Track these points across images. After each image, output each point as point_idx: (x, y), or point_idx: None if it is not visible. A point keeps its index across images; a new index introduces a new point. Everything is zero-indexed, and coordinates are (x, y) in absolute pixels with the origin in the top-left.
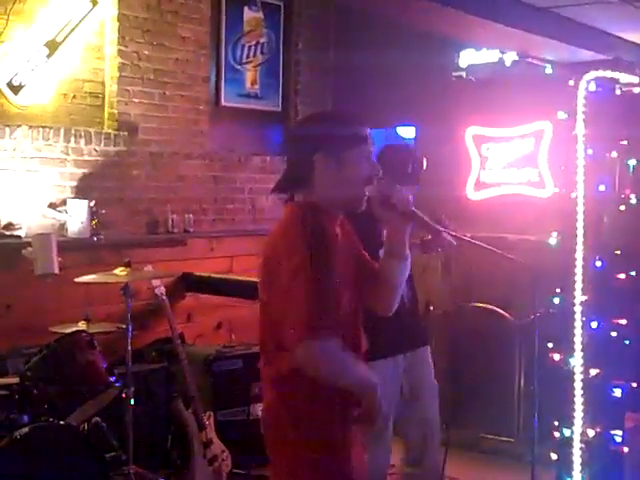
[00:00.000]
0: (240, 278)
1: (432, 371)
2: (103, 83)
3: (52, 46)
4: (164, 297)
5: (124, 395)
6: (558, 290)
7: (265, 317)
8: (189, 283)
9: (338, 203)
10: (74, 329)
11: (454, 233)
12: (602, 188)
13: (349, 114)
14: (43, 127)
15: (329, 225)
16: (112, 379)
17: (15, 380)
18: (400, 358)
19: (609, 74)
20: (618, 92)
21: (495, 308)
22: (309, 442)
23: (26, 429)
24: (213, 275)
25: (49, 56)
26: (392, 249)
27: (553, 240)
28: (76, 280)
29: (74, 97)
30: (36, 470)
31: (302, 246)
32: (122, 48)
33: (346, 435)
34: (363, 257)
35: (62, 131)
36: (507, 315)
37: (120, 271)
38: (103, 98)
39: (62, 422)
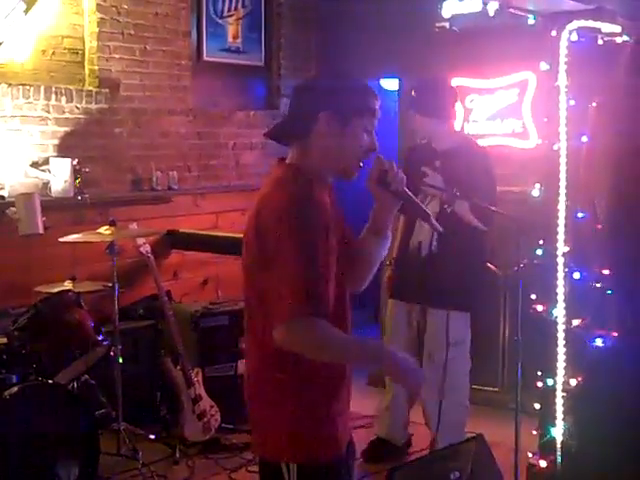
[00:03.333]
0: (226, 234)
1: (439, 340)
2: (82, 39)
3: (29, 1)
4: (149, 255)
5: (112, 353)
6: (541, 242)
7: (249, 275)
8: (174, 240)
9: (329, 169)
10: (60, 289)
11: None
12: (584, 139)
13: (364, 83)
14: (23, 85)
15: (319, 192)
16: (100, 337)
17: (3, 340)
18: (410, 306)
19: (591, 24)
20: (600, 42)
21: None
22: (294, 411)
23: (15, 388)
24: (198, 232)
25: (26, 11)
26: (376, 225)
27: (536, 192)
28: (61, 240)
29: (53, 54)
30: (26, 429)
31: (293, 211)
32: (100, 2)
33: (333, 403)
34: (345, 228)
35: (42, 89)
36: (492, 267)
37: (105, 230)
38: (83, 54)
39: (51, 381)
